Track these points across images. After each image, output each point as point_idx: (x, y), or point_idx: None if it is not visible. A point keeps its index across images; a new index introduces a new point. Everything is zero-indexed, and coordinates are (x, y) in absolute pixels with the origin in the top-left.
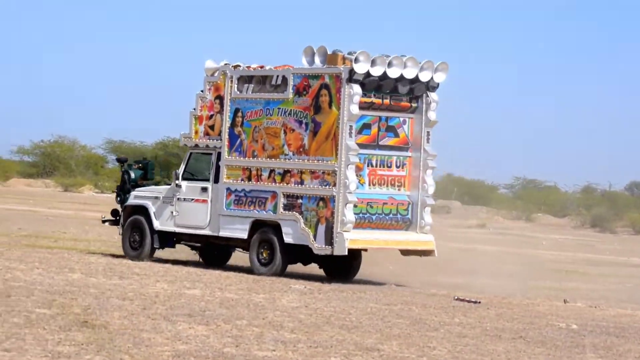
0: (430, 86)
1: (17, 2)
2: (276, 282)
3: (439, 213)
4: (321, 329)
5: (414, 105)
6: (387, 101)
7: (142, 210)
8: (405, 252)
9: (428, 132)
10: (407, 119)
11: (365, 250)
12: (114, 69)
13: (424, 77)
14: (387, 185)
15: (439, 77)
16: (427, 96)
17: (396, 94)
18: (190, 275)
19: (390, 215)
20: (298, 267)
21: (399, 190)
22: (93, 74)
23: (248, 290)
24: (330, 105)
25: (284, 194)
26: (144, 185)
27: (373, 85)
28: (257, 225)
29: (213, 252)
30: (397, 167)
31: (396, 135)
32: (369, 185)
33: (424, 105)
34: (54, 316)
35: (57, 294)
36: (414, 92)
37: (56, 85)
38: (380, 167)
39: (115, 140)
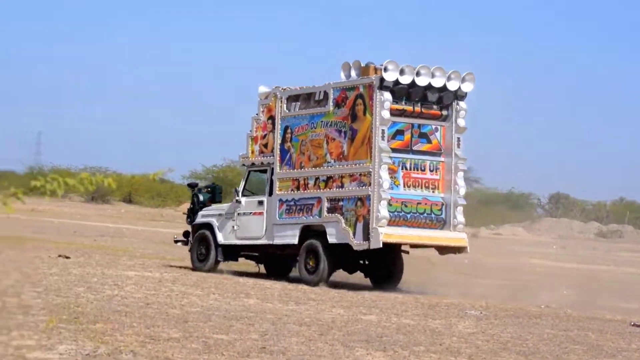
0: (459, 95)
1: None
2: (451, 307)
3: (611, 238)
4: (499, 355)
5: (444, 113)
6: (418, 109)
7: (208, 226)
8: (440, 249)
9: (458, 138)
10: (439, 127)
11: (407, 252)
12: None
13: (452, 86)
14: (422, 188)
15: (467, 87)
16: (457, 104)
17: (426, 102)
18: (365, 300)
19: (425, 215)
20: (349, 279)
21: (432, 192)
22: None
23: (424, 315)
24: (364, 113)
25: (327, 199)
26: None
27: (403, 93)
28: (305, 231)
29: (275, 264)
30: (431, 170)
31: (429, 141)
32: (404, 186)
33: (453, 113)
34: (232, 342)
35: (234, 320)
36: (443, 100)
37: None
38: (414, 170)
39: None
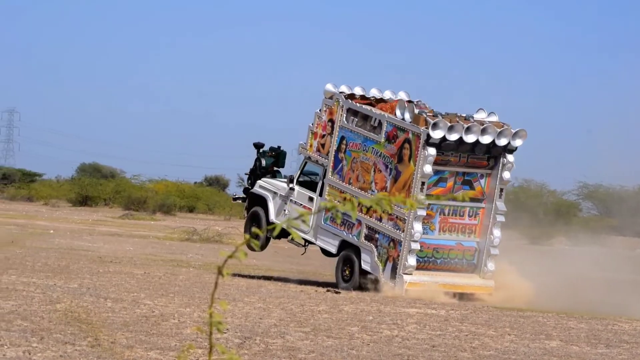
0: (508, 149)
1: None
2: None
3: None
4: None
5: (491, 163)
6: (464, 159)
7: (262, 200)
8: (464, 295)
9: (502, 189)
10: (484, 174)
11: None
12: None
13: (501, 142)
14: (457, 232)
15: (517, 143)
16: (504, 157)
17: (473, 154)
18: None
19: (456, 260)
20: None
21: (468, 237)
22: None
23: None
24: (409, 160)
25: (366, 225)
26: (275, 172)
27: (450, 147)
28: (344, 244)
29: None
30: (470, 216)
31: (472, 188)
32: (439, 231)
33: (500, 166)
34: None
35: None
36: (491, 152)
37: None
38: (452, 215)
39: (590, 184)
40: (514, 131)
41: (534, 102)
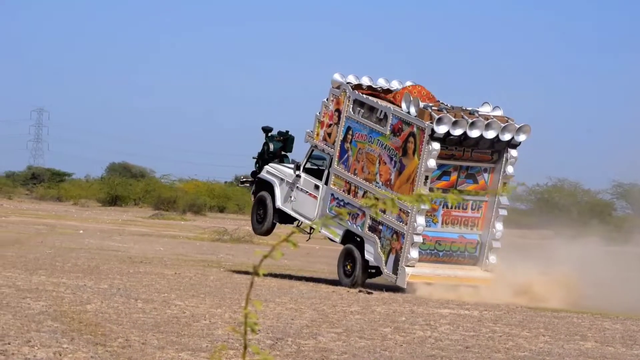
0: (512, 144)
1: None
2: None
3: None
4: None
5: (494, 157)
6: (468, 154)
7: (269, 186)
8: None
9: (505, 183)
10: (488, 167)
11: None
12: None
13: (505, 137)
14: (460, 225)
15: (521, 137)
16: (508, 152)
17: (477, 148)
18: None
19: (458, 252)
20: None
21: (471, 229)
22: None
23: None
24: (414, 153)
25: (370, 216)
26: (283, 157)
27: (454, 142)
28: (348, 234)
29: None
30: (473, 209)
31: (475, 181)
32: (442, 224)
33: (503, 160)
34: None
35: None
36: (494, 146)
37: None
38: (455, 208)
39: (625, 183)
40: (517, 126)
41: (569, 101)
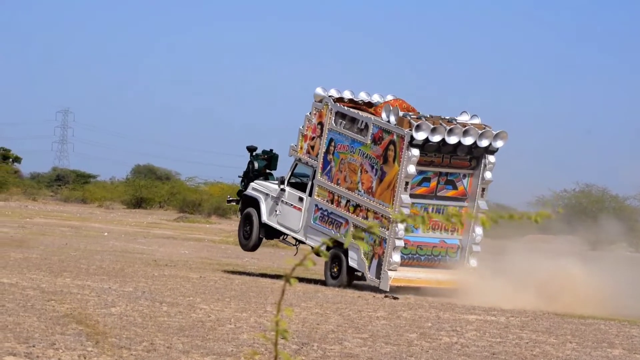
0: (490, 150)
1: None
2: None
3: None
4: None
5: (473, 164)
6: (447, 160)
7: (255, 202)
8: (447, 290)
9: (483, 188)
10: (467, 174)
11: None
12: None
13: (483, 144)
14: (441, 230)
15: (498, 144)
16: (486, 158)
17: (456, 155)
18: None
19: (439, 257)
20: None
21: (451, 234)
22: None
23: None
24: (394, 160)
25: (353, 224)
26: (268, 174)
27: (433, 148)
28: (333, 243)
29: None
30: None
31: (454, 188)
32: (423, 229)
33: (481, 166)
34: None
35: None
36: (473, 153)
37: None
38: (436, 214)
39: None
40: (495, 133)
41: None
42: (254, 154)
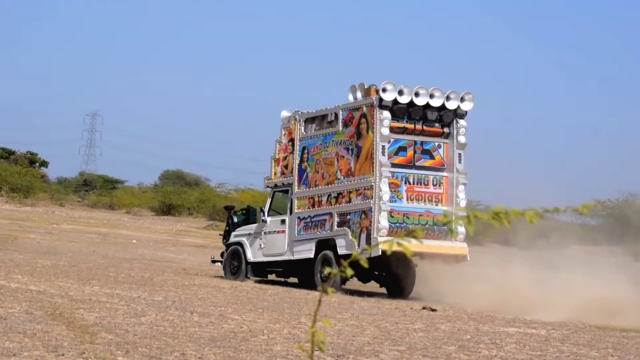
0: (459, 114)
1: None
2: None
3: None
4: None
5: (446, 131)
6: (419, 127)
7: (240, 245)
8: (441, 258)
9: (460, 153)
10: (442, 144)
11: (416, 265)
12: None
13: (451, 105)
14: (425, 201)
15: (466, 106)
16: (457, 122)
17: (427, 121)
18: None
19: (427, 226)
20: (364, 287)
21: (436, 205)
22: None
23: None
24: (367, 131)
25: (337, 214)
26: None
27: (402, 112)
28: (320, 245)
29: (301, 277)
30: (434, 185)
31: (432, 157)
32: (407, 200)
33: (454, 131)
34: None
35: None
36: (443, 119)
37: None
38: (417, 184)
39: None
40: (461, 94)
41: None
42: (233, 211)
